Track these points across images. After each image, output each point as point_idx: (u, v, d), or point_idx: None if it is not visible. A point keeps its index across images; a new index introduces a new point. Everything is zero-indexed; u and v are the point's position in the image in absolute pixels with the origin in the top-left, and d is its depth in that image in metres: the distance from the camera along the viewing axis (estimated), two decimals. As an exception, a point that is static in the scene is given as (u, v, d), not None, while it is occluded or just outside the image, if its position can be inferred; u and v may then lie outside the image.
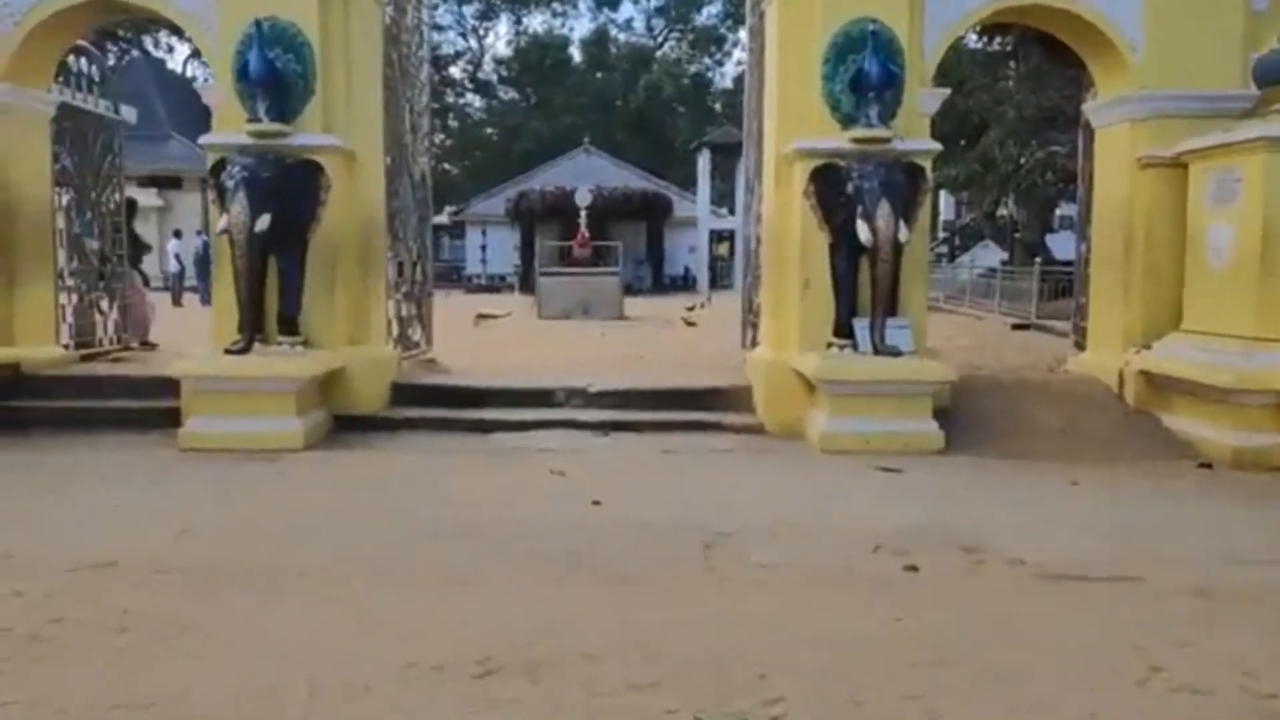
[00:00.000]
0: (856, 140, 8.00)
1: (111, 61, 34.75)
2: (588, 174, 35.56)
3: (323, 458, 7.60)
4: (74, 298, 10.24)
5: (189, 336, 11.39)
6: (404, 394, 9.01)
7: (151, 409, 8.40)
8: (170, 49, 44.25)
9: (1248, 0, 8.41)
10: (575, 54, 55.81)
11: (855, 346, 8.01)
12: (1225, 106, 8.32)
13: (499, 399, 8.95)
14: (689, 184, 40.07)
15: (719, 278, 36.78)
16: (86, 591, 4.46)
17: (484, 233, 38.02)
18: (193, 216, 30.96)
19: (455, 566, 4.93)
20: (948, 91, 8.81)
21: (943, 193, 30.61)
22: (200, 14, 8.58)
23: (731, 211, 37.63)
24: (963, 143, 22.56)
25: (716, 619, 4.19)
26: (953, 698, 3.43)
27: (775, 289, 8.82)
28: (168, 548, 5.14)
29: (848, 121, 8.11)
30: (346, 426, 8.44)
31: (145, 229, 17.25)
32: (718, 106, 52.46)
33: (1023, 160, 21.28)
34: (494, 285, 35.15)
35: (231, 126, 8.28)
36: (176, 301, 22.09)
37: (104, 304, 10.77)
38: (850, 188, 7.91)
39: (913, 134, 8.23)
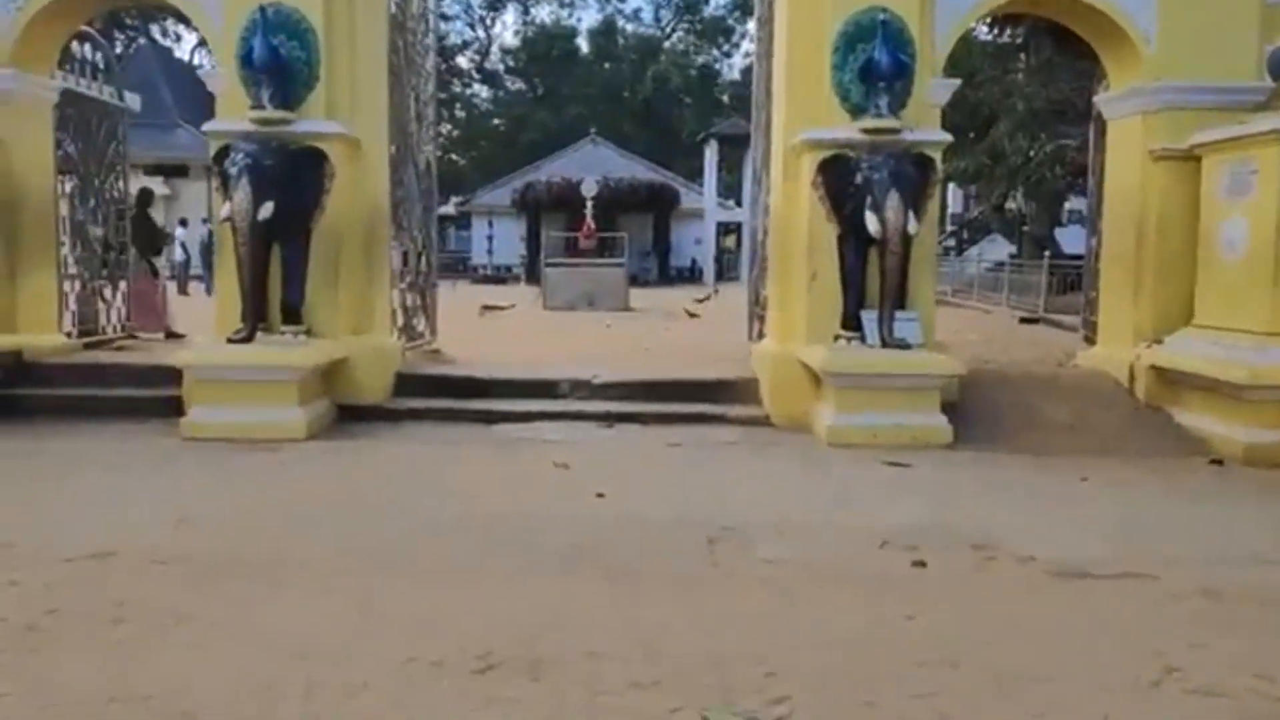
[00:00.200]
0: (866, 131, 7.91)
1: (119, 50, 34.81)
2: (594, 165, 35.46)
3: (325, 448, 7.54)
4: (77, 285, 10.20)
5: (194, 325, 11.39)
6: (408, 384, 8.95)
7: (153, 398, 8.35)
8: (178, 37, 44.22)
9: (1263, -9, 8.32)
10: (583, 44, 55.71)
11: (863, 339, 7.94)
12: (1239, 99, 8.20)
13: (503, 390, 8.89)
14: (695, 176, 39.96)
15: (725, 270, 36.68)
16: (84, 582, 4.41)
17: (490, 223, 37.94)
18: (199, 205, 30.85)
19: (457, 560, 4.87)
20: (958, 82, 8.70)
21: (950, 186, 30.47)
22: (205, 0, 8.52)
23: (738, 203, 37.51)
24: (972, 135, 22.43)
25: (721, 615, 4.12)
26: (963, 698, 3.36)
27: (782, 281, 8.74)
28: (167, 538, 5.09)
29: (857, 112, 8.02)
30: (350, 417, 8.39)
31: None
32: (725, 98, 52.28)
33: (1032, 153, 21.14)
34: (500, 276, 35.08)
35: (235, 113, 8.22)
36: (182, 290, 22.04)
37: (107, 292, 10.73)
38: (859, 179, 7.82)
39: (923, 125, 8.14)
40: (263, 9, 7.90)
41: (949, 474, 6.88)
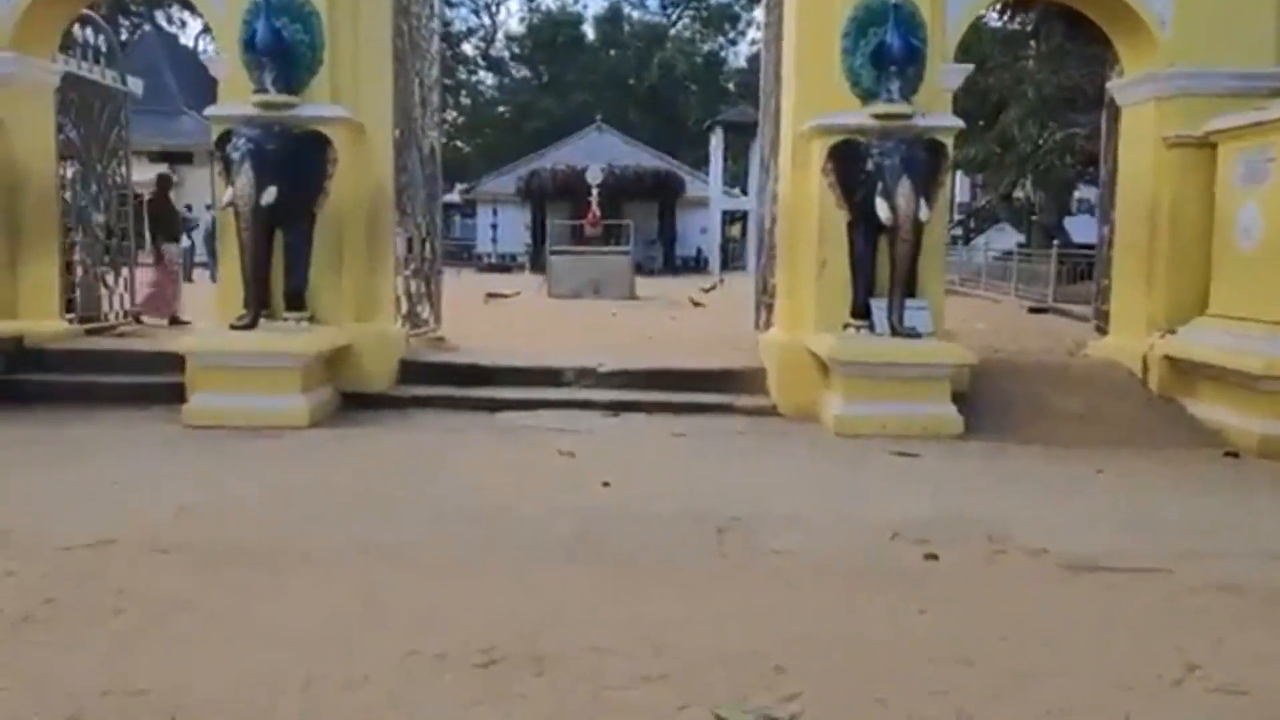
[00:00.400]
0: (877, 116, 7.80)
1: (124, 36, 34.69)
2: (600, 152, 35.30)
3: (329, 436, 7.47)
4: (79, 271, 10.11)
5: (199, 311, 11.33)
6: (412, 372, 8.87)
7: (156, 384, 8.27)
8: (183, 24, 44.05)
9: (1281, -24, 8.18)
10: (588, 31, 55.49)
11: (872, 328, 7.84)
12: (1256, 85, 8.09)
13: (508, 378, 8.81)
14: (701, 164, 39.78)
15: (730, 259, 36.53)
16: (82, 571, 4.33)
17: (495, 211, 37.83)
18: (204, 192, 30.76)
19: (461, 551, 4.78)
20: (970, 67, 8.59)
21: (958, 174, 30.26)
22: (207, -18, 8.44)
23: (744, 192, 37.36)
24: (981, 123, 22.27)
25: (730, 609, 4.03)
26: (980, 696, 3.27)
27: (791, 269, 8.63)
28: (167, 526, 5.01)
29: (868, 97, 7.91)
30: (354, 404, 8.32)
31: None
32: (731, 86, 52.12)
33: (1041, 141, 20.98)
34: (504, 264, 34.95)
35: (238, 98, 8.12)
36: (187, 277, 21.96)
37: (109, 278, 10.64)
38: (870, 165, 7.72)
39: (934, 110, 8.04)
40: (266, -9, 7.81)
41: (959, 465, 6.79)
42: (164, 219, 12.27)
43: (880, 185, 7.64)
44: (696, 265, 36.41)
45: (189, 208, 26.34)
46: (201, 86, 12.65)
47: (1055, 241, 19.77)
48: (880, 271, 7.93)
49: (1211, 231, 8.22)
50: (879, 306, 7.83)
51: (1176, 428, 7.84)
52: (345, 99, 8.35)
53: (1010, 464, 6.88)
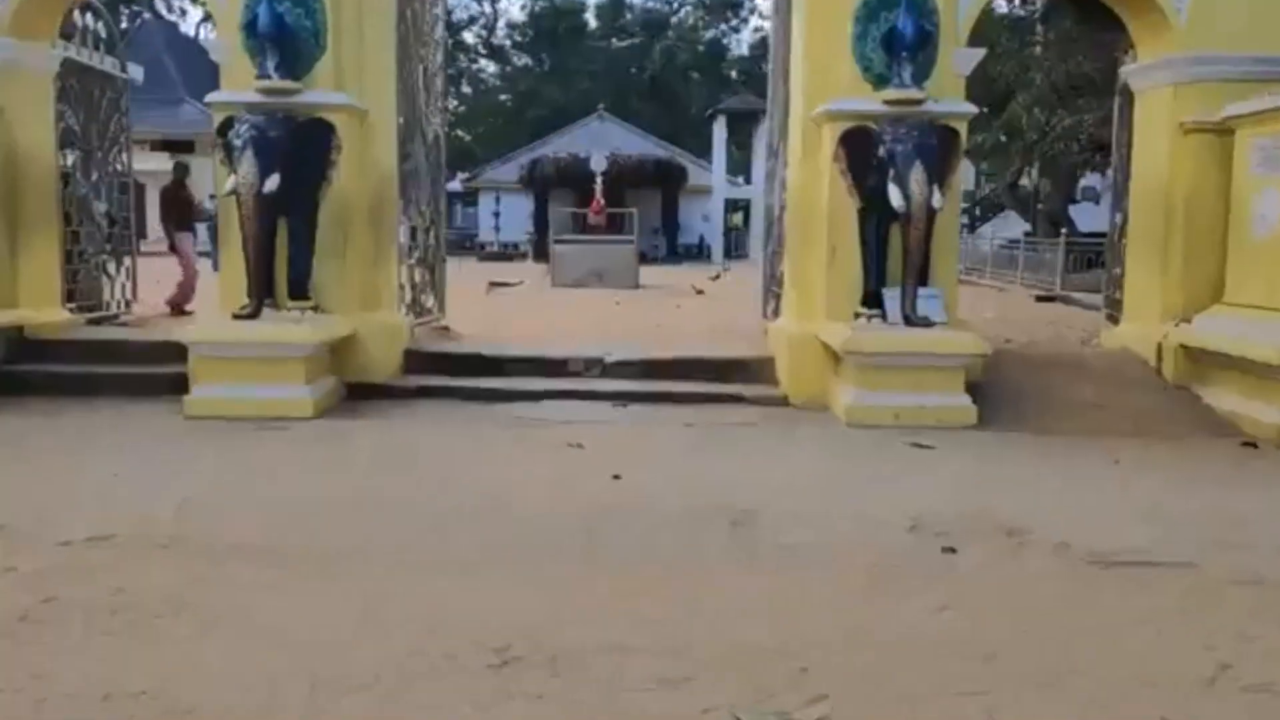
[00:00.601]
0: (889, 102, 7.67)
1: (124, 24, 34.48)
2: (602, 141, 35.13)
3: (333, 427, 7.36)
4: (80, 260, 9.99)
5: (200, 301, 11.23)
6: (417, 361, 8.76)
7: (157, 375, 8.15)
8: (183, 12, 43.89)
9: (1300, -42, 8.04)
10: (590, 19, 55.19)
11: (884, 317, 7.71)
12: (1275, 70, 7.94)
13: (514, 368, 8.71)
14: (702, 152, 39.58)
15: (733, 247, 36.38)
16: (81, 568, 4.23)
17: (497, 200, 37.65)
18: (206, 180, 30.65)
19: (469, 546, 4.68)
20: (983, 51, 8.43)
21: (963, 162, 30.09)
22: (208, -34, 8.31)
23: (747, 180, 37.21)
24: (987, 109, 22.09)
25: (748, 606, 3.93)
26: (1008, 697, 3.17)
27: (800, 257, 8.50)
28: (168, 521, 4.90)
29: (880, 82, 7.78)
30: (358, 394, 8.21)
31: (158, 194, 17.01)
32: (733, 74, 51.87)
33: (1049, 128, 20.80)
34: (507, 253, 34.79)
35: (240, 84, 7.99)
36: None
37: (111, 267, 10.53)
38: (882, 151, 7.58)
39: (947, 95, 7.90)
40: (267, -25, 7.67)
41: (974, 456, 6.68)
42: (179, 208, 12.15)
43: (893, 172, 7.50)
44: (699, 254, 36.25)
45: (212, 197, 26.25)
46: (202, 75, 12.53)
47: (1063, 230, 19.63)
48: (892, 260, 7.81)
49: (1228, 219, 8.09)
50: (891, 295, 7.70)
51: (1192, 417, 7.73)
52: (349, 85, 8.22)
53: (1025, 455, 6.77)
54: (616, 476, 5.84)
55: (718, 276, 22.55)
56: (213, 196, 9.05)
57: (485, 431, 7.26)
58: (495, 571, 4.33)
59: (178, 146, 32.17)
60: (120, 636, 3.54)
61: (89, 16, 10.13)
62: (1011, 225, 29.57)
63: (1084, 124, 19.85)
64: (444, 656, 3.39)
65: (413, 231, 9.63)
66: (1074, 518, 5.24)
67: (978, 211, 35.00)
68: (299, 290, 8.02)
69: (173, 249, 11.90)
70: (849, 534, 4.93)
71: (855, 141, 7.75)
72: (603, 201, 26.88)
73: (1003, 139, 22.22)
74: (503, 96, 54.92)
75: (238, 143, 7.67)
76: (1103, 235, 11.84)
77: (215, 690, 3.15)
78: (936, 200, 7.49)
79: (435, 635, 3.55)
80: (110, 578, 4.08)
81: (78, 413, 7.54)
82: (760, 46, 46.95)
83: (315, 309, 8.04)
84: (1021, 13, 22.46)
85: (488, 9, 55.77)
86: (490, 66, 56.88)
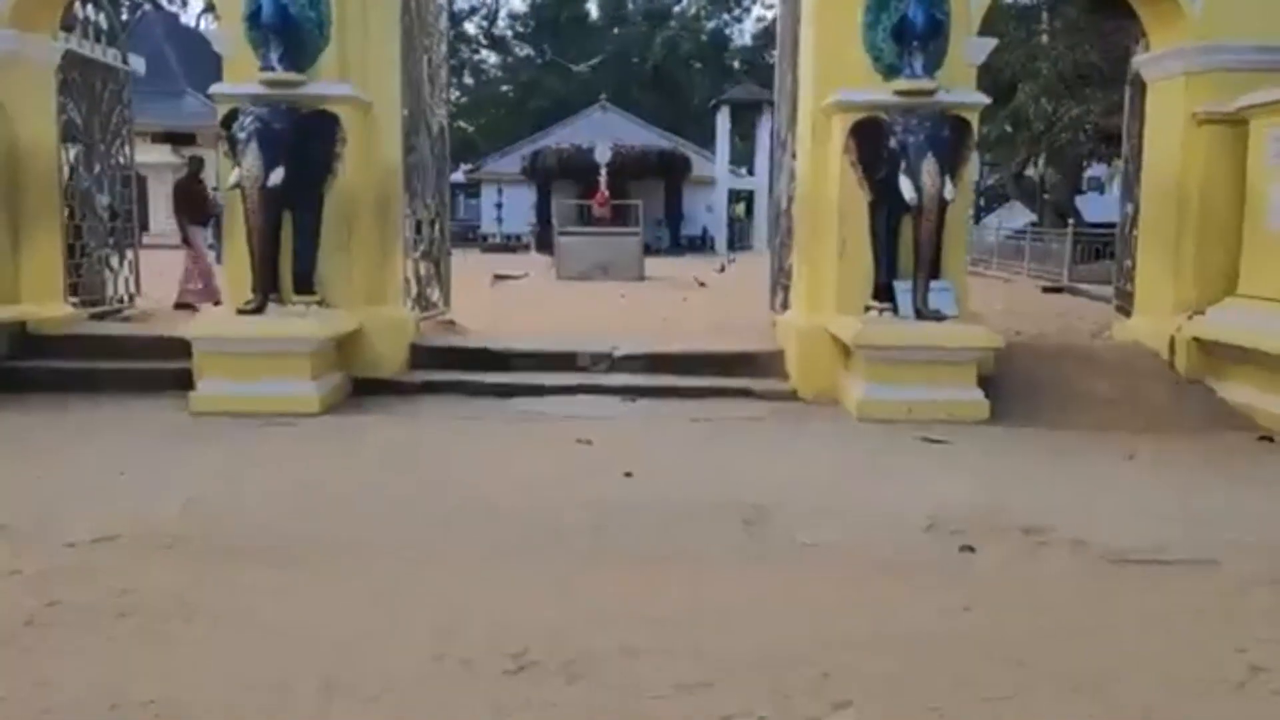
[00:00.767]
0: (900, 92, 7.57)
1: (124, 16, 34.33)
2: (604, 131, 34.90)
3: (339, 423, 7.29)
4: (82, 254, 9.91)
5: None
6: (423, 356, 8.69)
7: (162, 370, 8.07)
8: (184, 3, 43.74)
9: (1317, -55, 7.93)
10: (592, 9, 54.93)
11: (895, 310, 7.63)
12: (1290, 59, 7.85)
13: (521, 362, 8.63)
14: (705, 142, 39.39)
15: (737, 239, 36.23)
16: (86, 569, 4.17)
17: (499, 191, 37.44)
18: (209, 173, 30.52)
19: (481, 545, 4.61)
20: (995, 41, 8.33)
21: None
22: (210, -44, 8.21)
23: (750, 171, 37.04)
24: (994, 100, 21.96)
25: (766, 608, 3.86)
26: (1040, 703, 3.10)
27: (809, 250, 8.41)
28: (174, 520, 4.84)
29: (890, 72, 7.68)
30: (364, 390, 8.14)
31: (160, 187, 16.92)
32: (736, 64, 51.62)
33: (1055, 118, 20.66)
34: (510, 245, 34.62)
35: (244, 76, 7.89)
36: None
37: (113, 261, 10.45)
38: (893, 142, 7.48)
39: (958, 85, 7.79)
40: (271, -35, 7.57)
41: (989, 451, 6.60)
42: (192, 202, 12.07)
43: (904, 163, 7.40)
44: (703, 245, 36.09)
45: (215, 189, 26.12)
46: (204, 67, 12.46)
47: (1070, 220, 19.51)
48: (903, 252, 7.72)
49: (1241, 210, 7.99)
50: (903, 288, 7.61)
51: (1206, 411, 7.65)
52: (354, 77, 8.13)
53: (1040, 450, 6.69)
54: (628, 474, 5.75)
55: (723, 268, 22.42)
56: (216, 189, 8.97)
57: (493, 427, 7.19)
58: (507, 570, 4.26)
59: (179, 139, 32.11)
60: (126, 641, 3.48)
61: (90, 8, 10.04)
62: (1016, 215, 29.41)
63: (1091, 114, 19.72)
64: (460, 662, 3.32)
65: (418, 225, 9.53)
66: (1091, 515, 5.17)
67: (982, 202, 34.84)
68: (304, 284, 7.94)
69: (185, 242, 11.81)
70: (865, 532, 4.86)
71: (866, 132, 7.66)
72: (607, 193, 26.73)
73: (1008, 129, 22.04)
74: (505, 87, 54.70)
75: (242, 135, 7.58)
76: (1110, 225, 11.73)
77: (225, 698, 3.08)
78: (949, 192, 7.40)
79: (449, 639, 3.48)
80: (115, 579, 4.02)
81: (81, 409, 7.47)
82: (763, 36, 46.74)
83: (320, 303, 7.97)
84: (1028, 1, 22.27)
85: (489, -1, 55.56)
86: (491, 57, 56.65)
